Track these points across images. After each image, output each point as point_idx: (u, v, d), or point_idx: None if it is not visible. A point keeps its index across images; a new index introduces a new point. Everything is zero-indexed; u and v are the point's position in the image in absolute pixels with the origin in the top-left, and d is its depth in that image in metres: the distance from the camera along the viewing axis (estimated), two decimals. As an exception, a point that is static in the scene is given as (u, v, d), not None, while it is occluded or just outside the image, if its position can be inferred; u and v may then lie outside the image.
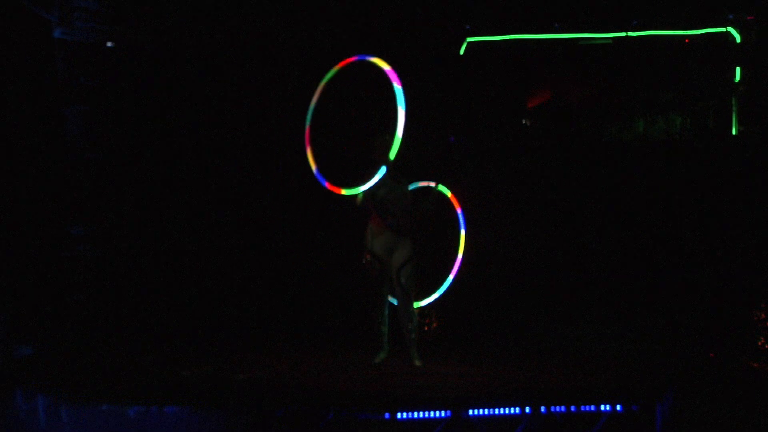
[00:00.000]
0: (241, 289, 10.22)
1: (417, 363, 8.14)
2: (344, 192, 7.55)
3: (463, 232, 8.56)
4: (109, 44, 9.79)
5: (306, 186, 8.41)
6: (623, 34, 10.79)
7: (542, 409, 6.71)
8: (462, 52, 10.74)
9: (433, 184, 8.32)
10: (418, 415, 6.64)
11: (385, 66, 7.44)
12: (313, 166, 7.62)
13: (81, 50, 9.64)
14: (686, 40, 10.90)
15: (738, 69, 10.83)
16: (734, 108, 10.79)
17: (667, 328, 9.78)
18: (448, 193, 8.51)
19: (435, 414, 6.65)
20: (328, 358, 8.62)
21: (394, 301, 8.35)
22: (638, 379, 7.60)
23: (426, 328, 9.27)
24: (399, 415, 6.61)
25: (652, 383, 7.27)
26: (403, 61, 7.94)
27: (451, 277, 8.57)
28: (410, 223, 8.23)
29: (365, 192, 7.89)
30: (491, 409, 6.68)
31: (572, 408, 6.74)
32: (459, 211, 8.60)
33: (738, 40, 10.84)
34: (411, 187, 8.33)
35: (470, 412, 6.65)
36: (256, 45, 10.17)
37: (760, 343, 8.97)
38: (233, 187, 10.25)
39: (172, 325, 9.78)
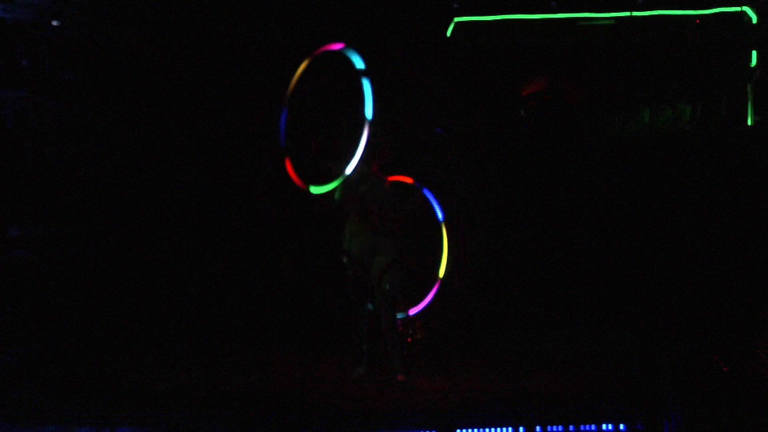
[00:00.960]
0: (206, 295, 9.93)
1: (401, 377, 7.58)
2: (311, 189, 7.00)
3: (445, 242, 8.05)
4: (54, 23, 9.08)
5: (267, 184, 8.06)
6: (627, 13, 10.19)
7: (537, 428, 6.32)
8: (449, 33, 10.16)
9: (415, 183, 7.79)
10: (401, 435, 6.22)
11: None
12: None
13: (22, 29, 8.92)
14: (697, 21, 10.35)
15: (754, 52, 10.29)
16: (750, 95, 10.24)
17: (673, 334, 9.34)
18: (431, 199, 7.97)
19: (420, 434, 6.25)
20: (301, 371, 8.13)
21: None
22: (643, 393, 7.15)
23: (409, 339, 8.66)
24: (380, 435, 6.21)
25: (658, 398, 6.86)
26: (384, 45, 7.62)
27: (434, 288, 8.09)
28: (392, 224, 7.59)
29: (344, 188, 7.37)
30: (481, 429, 6.28)
31: (571, 427, 6.34)
32: (441, 217, 8.05)
33: (754, 20, 10.29)
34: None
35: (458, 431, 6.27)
36: (221, 28, 9.82)
37: None
38: (186, 183, 9.92)
39: (125, 336, 9.33)
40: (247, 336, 9.45)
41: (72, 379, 7.68)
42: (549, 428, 6.31)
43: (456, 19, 10.21)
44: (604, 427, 6.35)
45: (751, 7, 10.25)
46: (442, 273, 8.08)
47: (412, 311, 8.08)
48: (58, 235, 9.14)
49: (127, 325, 9.43)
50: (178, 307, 9.70)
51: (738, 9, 10.24)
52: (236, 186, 10.04)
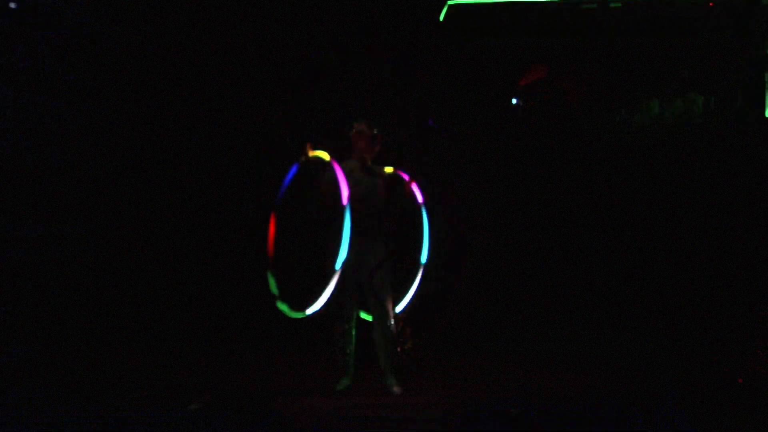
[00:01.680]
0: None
1: (395, 390, 6.94)
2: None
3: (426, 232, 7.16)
4: (12, 5, 8.37)
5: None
6: None
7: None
8: (442, 18, 9.42)
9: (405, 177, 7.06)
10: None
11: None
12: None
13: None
14: (710, 3, 9.57)
15: (772, 38, 9.53)
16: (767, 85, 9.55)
17: (673, 334, 9.11)
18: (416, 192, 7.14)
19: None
20: (301, 371, 8.00)
21: (365, 316, 7.14)
22: (644, 394, 7.01)
23: (399, 349, 7.69)
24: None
25: (659, 400, 6.72)
26: (371, 30, 7.33)
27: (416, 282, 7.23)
28: (382, 224, 6.97)
29: (328, 186, 6.71)
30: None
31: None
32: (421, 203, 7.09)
33: (772, 3, 9.43)
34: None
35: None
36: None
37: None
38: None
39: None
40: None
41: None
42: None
43: (449, 2, 9.47)
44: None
45: (771, -11, 9.42)
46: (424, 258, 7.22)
47: (399, 308, 7.25)
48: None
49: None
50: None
51: None
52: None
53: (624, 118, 10.11)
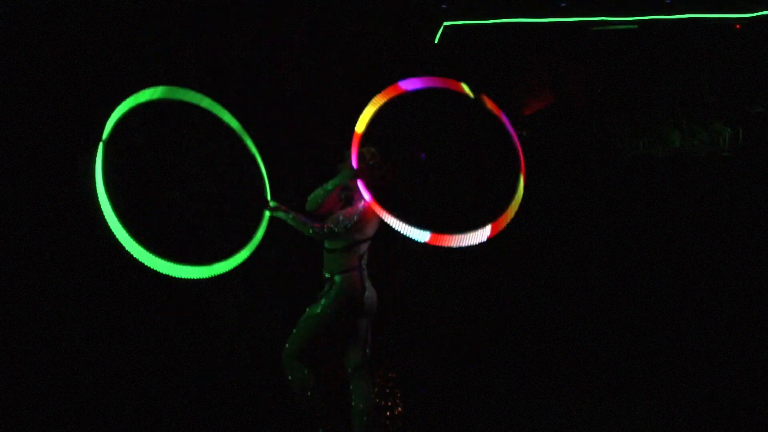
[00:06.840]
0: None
1: None
2: None
3: None
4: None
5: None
6: (653, 17, 8.62)
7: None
8: (437, 40, 8.76)
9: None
10: None
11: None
12: None
13: None
14: (737, 26, 8.80)
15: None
16: None
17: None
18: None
19: None
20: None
21: None
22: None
23: (388, 414, 6.63)
24: None
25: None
26: (360, 51, 7.08)
27: None
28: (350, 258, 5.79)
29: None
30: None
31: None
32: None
33: (804, 25, 8.75)
34: None
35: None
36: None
37: None
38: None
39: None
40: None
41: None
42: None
43: (445, 23, 8.69)
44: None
45: (802, 11, 8.72)
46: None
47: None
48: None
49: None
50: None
51: None
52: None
53: (643, 149, 9.19)
